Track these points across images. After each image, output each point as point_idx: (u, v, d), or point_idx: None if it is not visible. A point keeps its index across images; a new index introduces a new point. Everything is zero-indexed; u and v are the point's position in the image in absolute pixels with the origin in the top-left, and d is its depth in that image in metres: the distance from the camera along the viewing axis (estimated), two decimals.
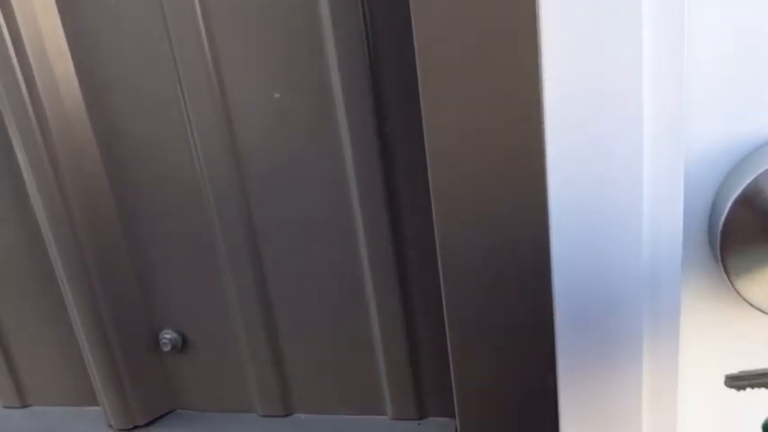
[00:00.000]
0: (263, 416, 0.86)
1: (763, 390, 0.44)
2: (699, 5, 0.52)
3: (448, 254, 0.60)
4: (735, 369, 0.47)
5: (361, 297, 0.77)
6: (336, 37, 0.65)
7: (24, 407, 0.95)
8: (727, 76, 0.54)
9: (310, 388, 0.84)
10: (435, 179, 0.58)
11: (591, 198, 0.56)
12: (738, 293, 0.57)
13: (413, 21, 0.53)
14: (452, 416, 0.67)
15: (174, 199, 0.77)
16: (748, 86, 0.54)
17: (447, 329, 0.62)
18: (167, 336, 0.85)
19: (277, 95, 0.69)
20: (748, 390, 0.45)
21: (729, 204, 0.55)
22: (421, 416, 0.81)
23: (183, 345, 0.86)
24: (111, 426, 0.89)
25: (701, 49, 0.53)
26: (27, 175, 0.77)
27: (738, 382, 0.45)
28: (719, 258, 0.56)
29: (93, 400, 0.90)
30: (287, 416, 0.86)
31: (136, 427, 0.88)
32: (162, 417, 0.90)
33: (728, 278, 0.57)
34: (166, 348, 0.85)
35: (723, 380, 0.46)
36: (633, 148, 0.54)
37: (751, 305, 0.57)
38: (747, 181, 0.54)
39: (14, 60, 0.71)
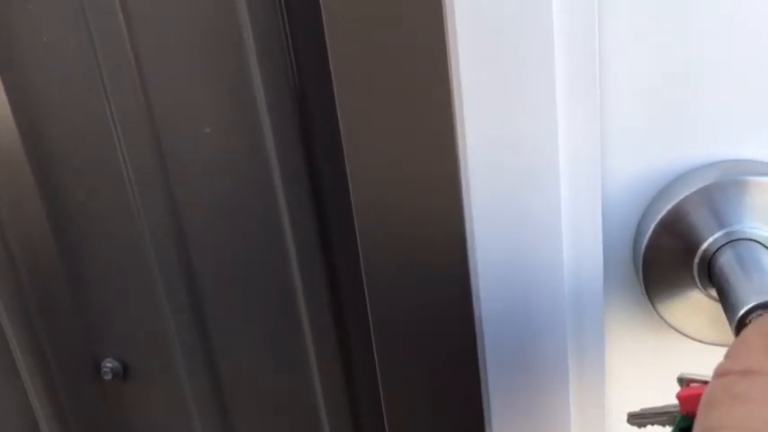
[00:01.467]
0: None
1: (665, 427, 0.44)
2: (613, 36, 0.53)
3: (373, 284, 0.60)
4: (662, 393, 0.47)
5: (297, 323, 0.77)
6: (261, 68, 0.65)
7: None
8: (645, 105, 0.55)
9: (250, 414, 0.84)
10: (358, 206, 0.58)
11: (510, 231, 0.57)
12: (663, 319, 0.58)
13: (329, 50, 0.54)
14: None
15: (111, 230, 0.77)
16: (667, 114, 0.55)
17: (375, 356, 0.63)
18: (108, 364, 0.84)
19: (208, 130, 0.69)
20: (649, 427, 0.45)
21: (650, 231, 0.55)
22: None
23: (124, 373, 0.85)
24: None
25: (617, 80, 0.54)
26: None
27: (639, 419, 0.45)
28: (642, 285, 0.57)
29: (34, 430, 0.89)
30: None
31: None
32: None
33: (652, 304, 0.57)
34: (108, 377, 0.84)
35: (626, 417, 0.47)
36: (550, 180, 0.55)
37: (676, 330, 0.58)
38: (668, 207, 0.55)
39: None
